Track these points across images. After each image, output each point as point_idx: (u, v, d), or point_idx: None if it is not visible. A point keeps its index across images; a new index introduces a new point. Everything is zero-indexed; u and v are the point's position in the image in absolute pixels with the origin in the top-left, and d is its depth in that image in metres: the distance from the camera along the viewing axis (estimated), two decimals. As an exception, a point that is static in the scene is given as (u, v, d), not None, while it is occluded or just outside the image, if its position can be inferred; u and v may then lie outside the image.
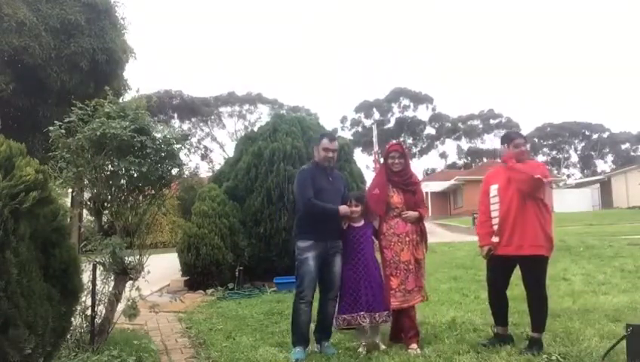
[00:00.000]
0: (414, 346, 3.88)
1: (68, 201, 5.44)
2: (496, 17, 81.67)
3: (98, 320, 3.92)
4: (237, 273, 8.21)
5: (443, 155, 54.22)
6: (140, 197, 4.26)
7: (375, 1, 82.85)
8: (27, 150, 2.80)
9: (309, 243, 3.96)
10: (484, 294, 5.88)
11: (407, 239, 4.04)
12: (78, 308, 3.55)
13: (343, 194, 4.20)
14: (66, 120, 3.99)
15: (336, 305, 4.07)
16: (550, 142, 52.69)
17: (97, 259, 3.94)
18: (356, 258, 4.03)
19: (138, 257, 4.09)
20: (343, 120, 51.95)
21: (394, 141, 4.60)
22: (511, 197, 3.85)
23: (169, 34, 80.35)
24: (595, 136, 52.33)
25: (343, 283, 4.05)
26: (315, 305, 4.10)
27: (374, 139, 17.59)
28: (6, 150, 2.63)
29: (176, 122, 40.54)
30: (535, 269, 3.80)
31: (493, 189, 4.00)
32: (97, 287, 3.95)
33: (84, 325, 3.84)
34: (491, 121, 52.33)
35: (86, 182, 4.17)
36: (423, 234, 4.16)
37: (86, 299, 3.74)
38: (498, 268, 3.96)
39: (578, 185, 38.78)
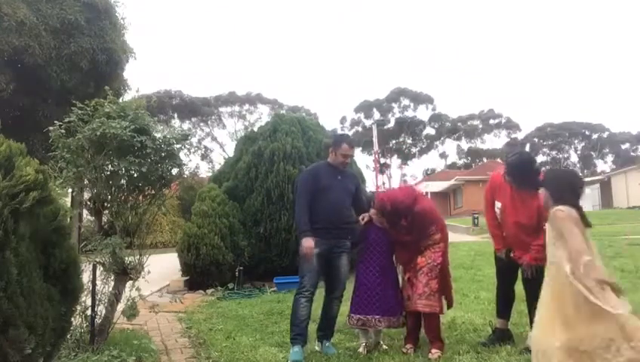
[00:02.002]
0: (407, 347, 3.89)
1: (68, 201, 5.44)
2: (497, 17, 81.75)
3: (98, 320, 3.92)
4: (237, 273, 8.20)
5: (443, 155, 54.26)
6: (140, 197, 4.27)
7: (375, 1, 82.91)
8: (27, 150, 2.80)
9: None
10: (484, 294, 5.91)
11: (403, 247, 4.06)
12: (78, 308, 3.55)
13: (353, 194, 4.15)
14: (66, 120, 3.99)
15: (350, 303, 4.05)
16: (550, 142, 52.65)
17: (97, 259, 3.94)
18: (375, 257, 4.00)
19: (138, 257, 4.09)
20: (343, 120, 51.98)
21: (381, 194, 4.30)
22: (513, 222, 3.85)
23: (169, 34, 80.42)
24: (595, 136, 52.30)
25: (358, 281, 4.04)
26: (318, 305, 4.11)
27: (374, 139, 17.62)
28: (6, 150, 2.63)
29: (176, 122, 40.55)
30: (535, 274, 3.82)
31: (497, 207, 3.97)
32: (97, 287, 3.95)
33: (84, 325, 3.84)
34: (491, 121, 52.31)
35: (86, 182, 4.17)
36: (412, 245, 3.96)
37: (86, 299, 3.74)
38: (509, 263, 3.98)
39: (578, 185, 38.68)
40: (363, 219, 4.10)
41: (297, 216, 4.05)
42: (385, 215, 3.99)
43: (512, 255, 3.94)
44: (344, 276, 4.08)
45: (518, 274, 3.98)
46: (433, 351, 3.73)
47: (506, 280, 4.04)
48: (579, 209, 2.70)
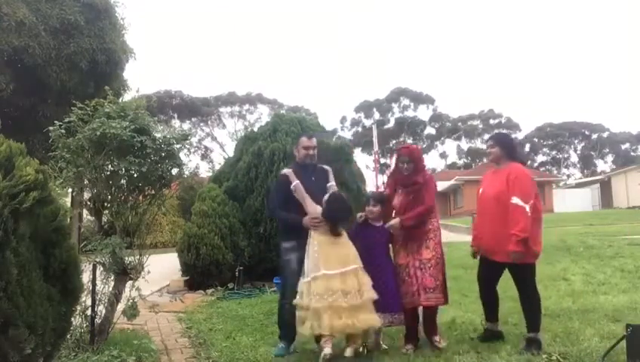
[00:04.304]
0: (407, 347, 3.89)
1: (68, 201, 5.44)
2: (497, 17, 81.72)
3: (98, 320, 3.92)
4: (237, 273, 8.20)
5: (443, 155, 54.23)
6: (140, 197, 4.27)
7: (375, 1, 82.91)
8: (27, 150, 2.81)
9: (291, 243, 4.01)
10: (484, 294, 5.91)
11: (402, 242, 4.00)
12: (78, 308, 3.55)
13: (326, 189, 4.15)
14: (66, 120, 4.00)
15: None
16: (550, 142, 52.66)
17: (97, 259, 3.94)
18: (372, 258, 3.99)
19: (138, 257, 4.09)
20: (343, 120, 51.97)
21: (405, 144, 4.52)
22: (485, 203, 3.96)
23: (169, 34, 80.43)
24: (595, 136, 52.30)
25: None
26: None
27: (374, 139, 17.63)
28: (6, 150, 2.63)
29: (176, 122, 40.55)
30: (519, 273, 3.83)
31: (479, 193, 4.11)
32: (97, 287, 3.95)
33: (84, 325, 3.84)
34: (491, 121, 52.28)
35: (86, 182, 4.17)
36: (416, 236, 3.94)
37: (86, 299, 3.74)
38: (486, 266, 4.04)
39: (578, 185, 38.75)
40: (360, 218, 4.10)
41: (284, 221, 4.13)
42: (400, 168, 4.05)
43: (479, 255, 4.08)
44: None
45: (500, 276, 4.01)
46: (440, 339, 3.88)
47: (486, 283, 4.08)
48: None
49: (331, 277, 3.67)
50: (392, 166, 4.36)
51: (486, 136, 52.67)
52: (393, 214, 4.07)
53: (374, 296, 3.72)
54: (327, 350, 3.54)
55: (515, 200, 3.64)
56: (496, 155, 3.99)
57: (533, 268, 3.83)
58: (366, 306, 3.69)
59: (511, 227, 3.61)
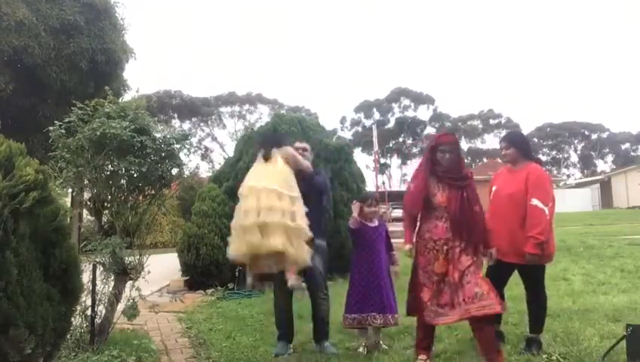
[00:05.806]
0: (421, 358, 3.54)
1: (68, 201, 5.43)
2: (497, 17, 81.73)
3: (98, 320, 3.92)
4: (237, 273, 8.20)
5: (443, 155, 54.21)
6: (140, 197, 4.26)
7: (376, 1, 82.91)
8: (27, 150, 2.81)
9: None
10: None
11: (446, 247, 3.42)
12: (78, 308, 3.55)
13: (316, 201, 4.02)
14: (66, 120, 3.99)
15: (345, 303, 4.05)
16: (550, 142, 52.69)
17: (97, 259, 3.93)
18: (369, 258, 3.99)
19: (138, 257, 4.09)
20: (343, 120, 51.96)
21: (443, 131, 4.23)
22: (499, 202, 3.86)
23: (169, 34, 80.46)
24: (594, 136, 52.35)
25: (353, 282, 4.04)
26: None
27: (374, 139, 17.60)
28: (6, 150, 2.63)
29: (176, 122, 40.64)
30: (531, 273, 3.80)
31: (492, 191, 4.02)
32: (97, 287, 3.95)
33: (84, 325, 3.84)
34: (491, 121, 52.34)
35: (86, 182, 4.17)
36: (473, 244, 3.45)
37: (86, 299, 3.74)
38: (496, 266, 3.97)
39: (578, 185, 38.77)
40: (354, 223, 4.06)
41: None
42: (440, 158, 3.54)
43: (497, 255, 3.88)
44: (319, 273, 4.06)
45: (510, 276, 3.96)
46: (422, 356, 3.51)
47: (494, 284, 4.02)
48: None
49: (258, 191, 3.75)
50: (423, 159, 3.71)
51: (486, 136, 52.89)
52: (443, 213, 3.50)
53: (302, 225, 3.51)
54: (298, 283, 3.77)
55: (535, 201, 3.58)
56: (513, 156, 3.88)
57: (544, 269, 3.81)
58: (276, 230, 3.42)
59: (529, 229, 3.56)
